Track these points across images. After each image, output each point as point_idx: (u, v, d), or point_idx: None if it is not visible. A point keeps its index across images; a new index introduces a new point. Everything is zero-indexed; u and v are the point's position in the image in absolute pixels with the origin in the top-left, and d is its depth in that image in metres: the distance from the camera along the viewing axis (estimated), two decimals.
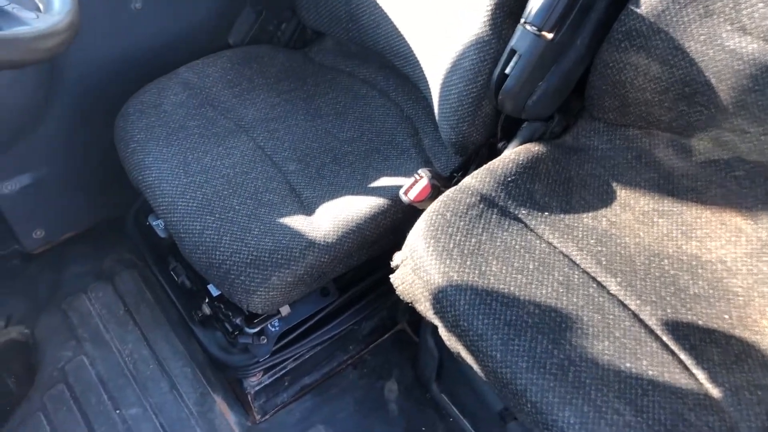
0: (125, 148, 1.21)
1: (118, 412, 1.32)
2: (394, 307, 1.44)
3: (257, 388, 1.31)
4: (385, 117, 1.33)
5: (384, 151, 1.27)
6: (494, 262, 0.92)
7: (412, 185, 1.07)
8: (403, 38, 1.23)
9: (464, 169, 1.21)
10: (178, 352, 1.39)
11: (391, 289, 1.03)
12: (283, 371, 1.32)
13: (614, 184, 1.06)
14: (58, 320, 1.44)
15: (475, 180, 1.02)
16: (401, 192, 1.08)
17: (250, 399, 1.31)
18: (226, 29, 1.44)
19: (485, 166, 1.05)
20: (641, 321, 0.89)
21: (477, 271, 0.91)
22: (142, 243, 1.39)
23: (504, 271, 0.91)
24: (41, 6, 0.85)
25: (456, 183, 1.11)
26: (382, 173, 1.22)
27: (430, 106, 1.21)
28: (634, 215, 1.02)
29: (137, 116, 1.24)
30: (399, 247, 1.02)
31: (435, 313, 0.92)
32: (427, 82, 1.20)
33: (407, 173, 1.21)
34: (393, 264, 1.03)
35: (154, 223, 1.25)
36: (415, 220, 1.01)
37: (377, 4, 1.25)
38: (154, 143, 1.20)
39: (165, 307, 1.45)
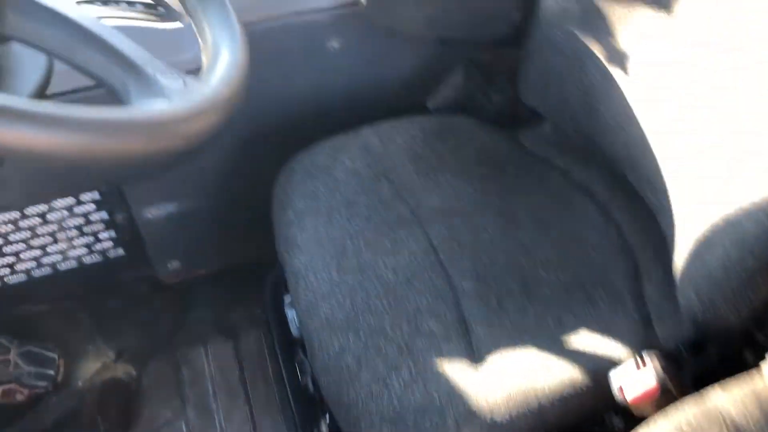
0: (281, 214, 1.02)
1: None
2: None
3: None
4: (599, 241, 1.02)
5: (591, 289, 0.96)
6: None
7: (633, 379, 0.76)
8: (653, 155, 0.91)
9: (698, 349, 0.88)
10: None
11: None
12: None
13: None
14: (168, 370, 1.29)
15: (731, 404, 0.69)
16: (615, 384, 0.77)
17: None
18: (426, 89, 1.21)
19: (750, 386, 0.71)
20: None
21: None
22: (272, 312, 1.19)
23: None
24: (205, 60, 0.65)
25: (686, 368, 0.80)
26: (584, 324, 0.91)
27: (667, 246, 0.90)
28: None
29: (302, 177, 1.05)
30: None
31: None
32: (672, 218, 0.88)
33: (618, 333, 0.90)
34: None
35: (288, 314, 1.04)
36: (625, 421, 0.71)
37: (627, 102, 0.94)
38: (313, 218, 0.99)
39: (282, 392, 1.25)
